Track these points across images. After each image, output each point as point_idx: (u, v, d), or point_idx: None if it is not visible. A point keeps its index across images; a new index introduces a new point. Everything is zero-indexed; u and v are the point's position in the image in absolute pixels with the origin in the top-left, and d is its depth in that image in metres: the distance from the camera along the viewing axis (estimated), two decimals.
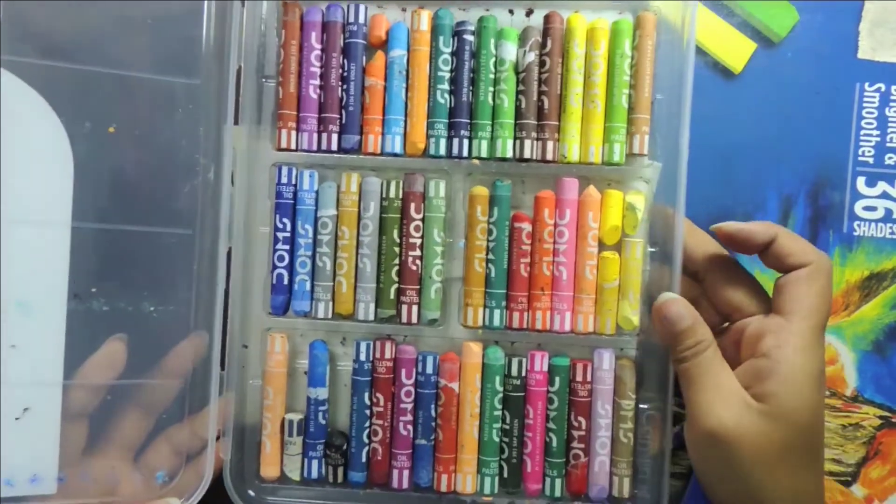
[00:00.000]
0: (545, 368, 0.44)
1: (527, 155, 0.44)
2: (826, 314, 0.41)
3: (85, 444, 0.43)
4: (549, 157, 0.44)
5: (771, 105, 0.47)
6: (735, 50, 0.47)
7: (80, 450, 0.43)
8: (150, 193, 0.44)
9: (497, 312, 0.44)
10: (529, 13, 0.44)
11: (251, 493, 0.45)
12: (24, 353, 0.41)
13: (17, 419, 0.41)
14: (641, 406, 0.44)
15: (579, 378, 0.44)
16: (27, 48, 0.42)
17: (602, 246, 0.44)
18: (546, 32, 0.43)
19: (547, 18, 0.44)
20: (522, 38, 0.44)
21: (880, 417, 0.47)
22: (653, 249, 0.43)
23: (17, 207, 0.41)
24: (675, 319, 0.41)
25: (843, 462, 0.47)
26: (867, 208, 0.47)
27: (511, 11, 0.44)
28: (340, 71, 0.44)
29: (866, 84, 0.47)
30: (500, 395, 0.44)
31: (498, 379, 0.44)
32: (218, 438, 0.44)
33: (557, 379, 0.44)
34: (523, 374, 0.44)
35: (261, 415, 0.45)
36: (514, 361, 0.44)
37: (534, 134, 0.44)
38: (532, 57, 0.43)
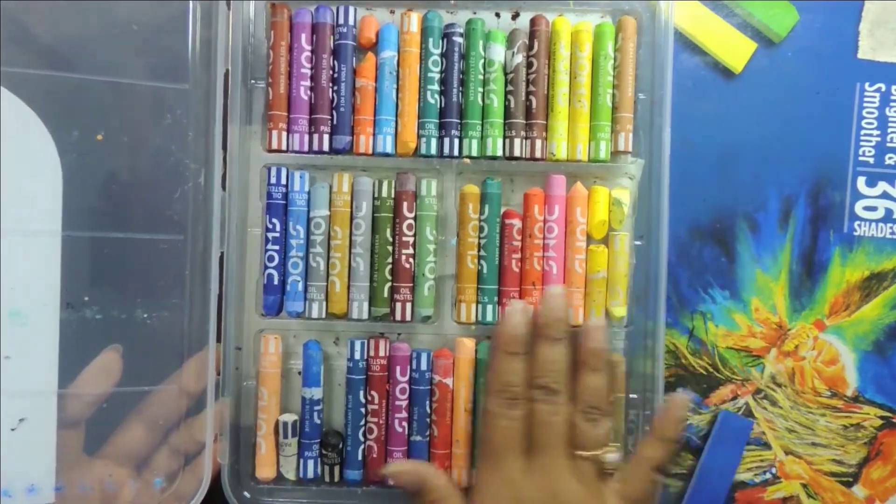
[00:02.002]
0: None
1: (516, 153, 0.45)
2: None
3: (82, 453, 0.42)
4: (538, 155, 0.45)
5: (771, 105, 0.47)
6: (735, 50, 0.47)
7: (77, 459, 0.42)
8: (141, 200, 0.44)
9: (490, 308, 0.45)
10: (515, 16, 0.45)
11: (247, 494, 0.45)
12: (19, 364, 0.41)
13: (12, 429, 0.41)
14: (632, 396, 0.45)
15: None
16: (12, 57, 0.41)
17: (590, 240, 0.45)
18: (532, 35, 0.45)
19: (533, 21, 0.45)
20: (510, 41, 0.45)
21: (881, 418, 0.47)
22: (639, 243, 0.45)
23: (8, 218, 0.41)
24: (405, 483, 0.42)
25: (845, 462, 0.47)
26: (867, 208, 0.47)
27: (497, 14, 0.45)
28: (331, 72, 0.45)
29: (866, 84, 0.47)
30: None
31: None
32: (214, 441, 0.44)
33: None
34: None
35: (255, 416, 0.45)
36: None
37: (522, 133, 0.45)
38: (520, 58, 0.44)
